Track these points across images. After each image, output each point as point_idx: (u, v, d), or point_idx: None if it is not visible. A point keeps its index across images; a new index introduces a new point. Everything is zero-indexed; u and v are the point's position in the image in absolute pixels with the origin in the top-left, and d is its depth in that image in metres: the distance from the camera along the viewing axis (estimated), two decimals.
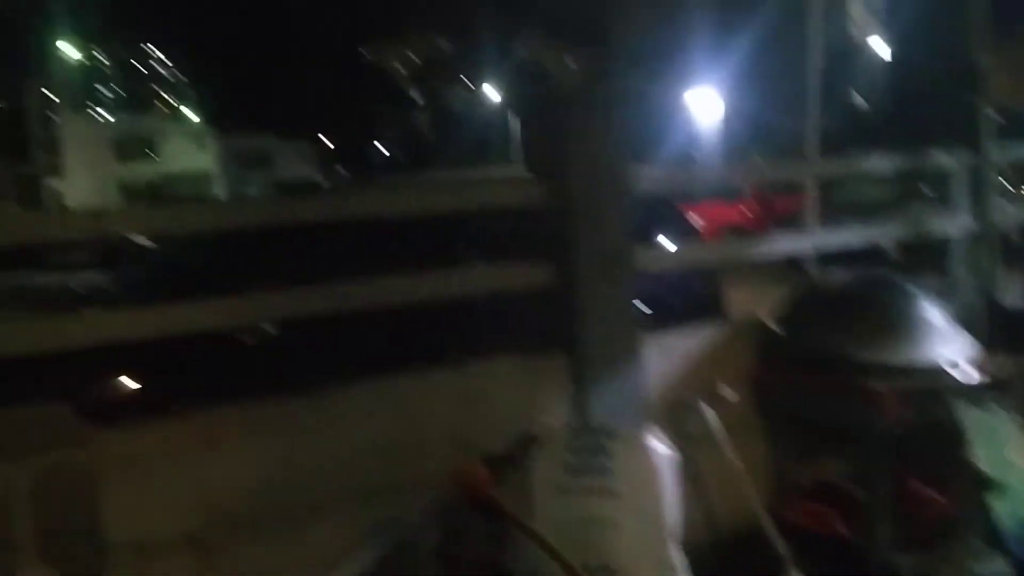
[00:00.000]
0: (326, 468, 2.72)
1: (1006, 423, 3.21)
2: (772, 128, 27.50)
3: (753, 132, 28.00)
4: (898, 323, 3.18)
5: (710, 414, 3.14)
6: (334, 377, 2.83)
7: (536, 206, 3.07)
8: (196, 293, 2.70)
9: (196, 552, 2.56)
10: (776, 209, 15.03)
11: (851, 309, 3.25)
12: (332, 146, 50.84)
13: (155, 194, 41.48)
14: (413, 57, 57.57)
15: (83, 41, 48.98)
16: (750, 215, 17.28)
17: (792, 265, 3.92)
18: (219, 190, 43.68)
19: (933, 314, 3.21)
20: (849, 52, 33.81)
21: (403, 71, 58.13)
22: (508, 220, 3.48)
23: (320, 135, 50.16)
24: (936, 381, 3.08)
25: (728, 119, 29.62)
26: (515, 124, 41.16)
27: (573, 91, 3.00)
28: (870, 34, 32.83)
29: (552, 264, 3.08)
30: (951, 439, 3.10)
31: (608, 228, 3.09)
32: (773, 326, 3.39)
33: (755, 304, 3.51)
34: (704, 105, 29.50)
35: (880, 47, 29.71)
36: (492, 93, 44.64)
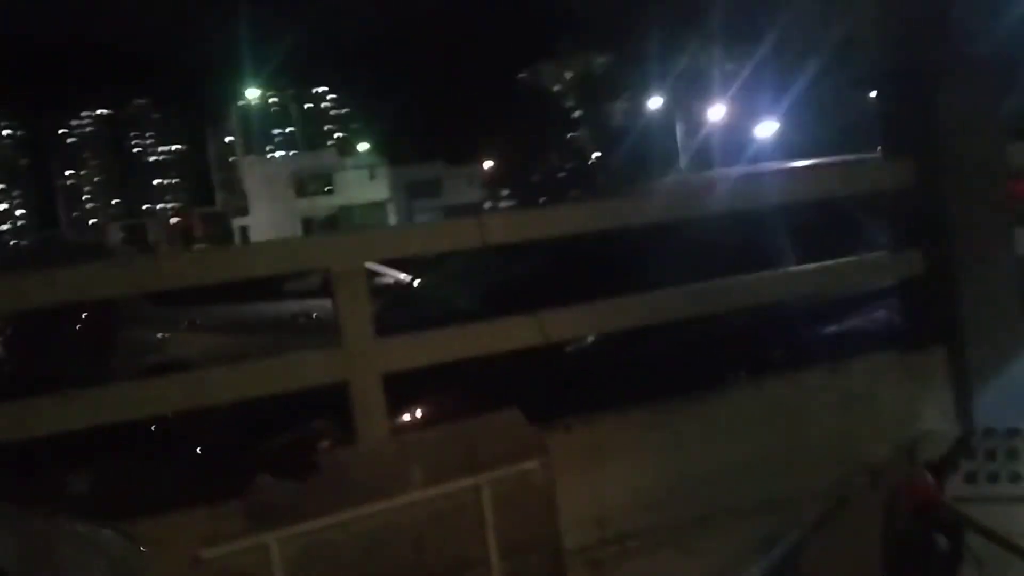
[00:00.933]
0: (711, 479, 2.54)
1: None
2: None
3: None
4: None
5: None
6: (708, 384, 2.67)
7: (904, 187, 2.80)
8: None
9: (590, 568, 2.42)
10: None
11: None
12: (498, 170, 51.58)
13: (333, 224, 43.17)
14: (570, 76, 57.87)
15: (260, 86, 51.75)
16: None
17: None
18: (393, 218, 45.08)
19: None
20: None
21: (562, 90, 58.51)
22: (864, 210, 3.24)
23: (486, 160, 51.00)
24: None
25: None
26: (682, 131, 40.65)
27: (942, 64, 2.72)
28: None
29: (924, 251, 2.80)
30: None
31: (984, 207, 2.79)
32: None
33: None
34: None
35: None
36: (654, 104, 44.27)
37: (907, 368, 2.80)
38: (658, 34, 41.49)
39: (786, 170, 4.05)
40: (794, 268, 2.97)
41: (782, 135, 33.79)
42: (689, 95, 41.91)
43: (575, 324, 2.53)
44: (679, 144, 40.69)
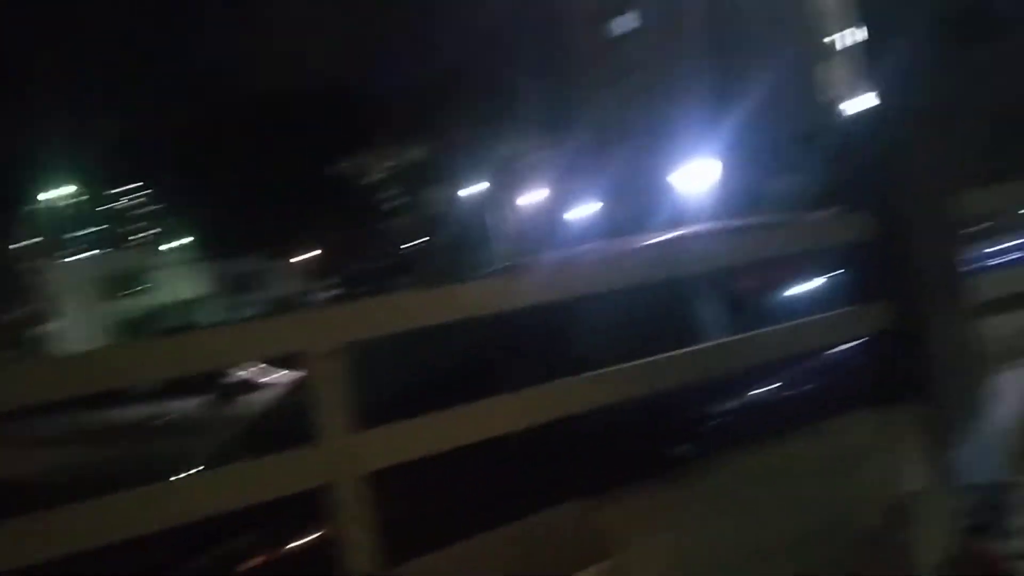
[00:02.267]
0: (718, 560, 2.31)
1: None
2: (761, 190, 27.79)
3: (745, 197, 28.22)
4: None
5: None
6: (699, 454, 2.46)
7: (869, 241, 2.73)
8: None
9: None
10: None
11: None
12: (321, 260, 50.78)
13: (150, 326, 40.93)
14: (390, 165, 58.21)
15: (67, 183, 49.14)
16: None
17: None
18: (213, 315, 43.26)
19: None
20: (828, 113, 34.50)
21: (382, 179, 58.71)
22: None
23: (308, 251, 50.11)
24: None
25: (723, 185, 29.87)
26: (501, 218, 41.39)
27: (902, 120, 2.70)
28: (843, 93, 33.55)
29: (892, 304, 2.73)
30: None
31: (946, 259, 2.76)
32: None
33: None
34: (699, 176, 29.78)
35: (862, 104, 30.25)
36: (478, 190, 44.99)
37: (884, 425, 2.70)
38: (476, 124, 42.38)
39: (751, 229, 3.98)
40: (765, 330, 2.82)
41: (603, 215, 34.90)
42: (511, 181, 42.84)
43: (563, 402, 2.25)
44: (502, 228, 41.34)
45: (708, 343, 2.90)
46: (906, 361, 2.74)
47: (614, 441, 3.07)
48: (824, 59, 35.44)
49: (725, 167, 29.57)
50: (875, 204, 2.72)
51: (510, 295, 2.31)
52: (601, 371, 2.36)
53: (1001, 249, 3.46)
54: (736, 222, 4.93)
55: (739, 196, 27.71)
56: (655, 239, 4.54)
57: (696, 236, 4.48)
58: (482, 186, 44.19)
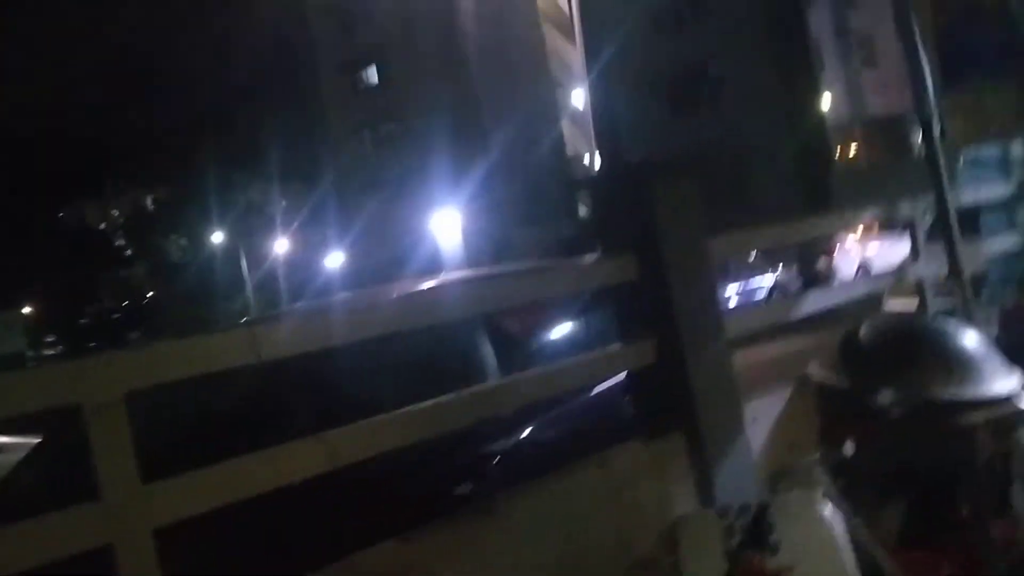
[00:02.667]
0: None
1: None
2: (508, 239, 28.88)
3: (492, 244, 29.14)
4: (962, 357, 3.26)
5: (820, 478, 3.07)
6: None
7: (631, 281, 2.90)
8: None
9: None
10: None
11: (913, 349, 3.31)
12: (41, 314, 46.74)
13: None
14: (118, 213, 54.95)
15: None
16: None
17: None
18: None
19: (986, 345, 3.33)
20: (568, 167, 36.40)
21: (109, 228, 55.28)
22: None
23: (28, 305, 46.00)
24: (1014, 411, 3.18)
25: (468, 235, 30.65)
26: (247, 265, 40.06)
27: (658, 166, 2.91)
28: (583, 149, 35.60)
29: (654, 340, 2.91)
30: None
31: (701, 296, 2.98)
32: (834, 380, 3.38)
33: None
34: (447, 226, 30.39)
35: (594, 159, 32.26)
36: (216, 239, 43.42)
37: (654, 454, 2.86)
38: (215, 171, 40.93)
39: (516, 273, 4.08)
40: (538, 369, 2.92)
41: (356, 263, 34.67)
42: (254, 229, 41.69)
43: (366, 442, 2.21)
44: (244, 277, 40.07)
45: (484, 385, 2.97)
46: (670, 393, 2.92)
47: (401, 483, 3.06)
48: (567, 116, 37.56)
49: (475, 216, 30.46)
50: (637, 247, 2.90)
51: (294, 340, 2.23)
52: (391, 414, 2.34)
53: (745, 288, 3.78)
54: (498, 268, 5.09)
55: (489, 244, 28.62)
56: (416, 286, 4.62)
57: (458, 283, 4.59)
58: (228, 234, 42.73)
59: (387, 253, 29.75)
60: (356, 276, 30.95)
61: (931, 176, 4.08)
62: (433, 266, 27.28)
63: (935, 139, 4.02)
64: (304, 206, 37.84)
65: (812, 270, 14.87)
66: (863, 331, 3.59)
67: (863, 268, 15.44)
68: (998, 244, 4.67)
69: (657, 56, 31.84)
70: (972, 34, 3.82)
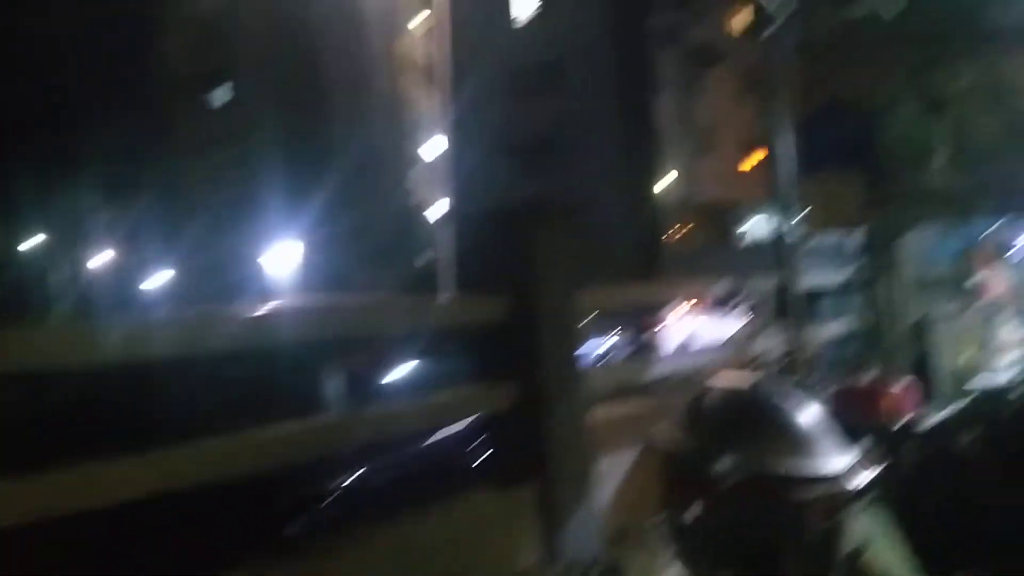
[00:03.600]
0: None
1: (879, 523, 3.51)
2: (346, 278, 28.42)
3: (329, 280, 28.59)
4: (800, 432, 3.35)
5: (661, 541, 3.06)
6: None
7: (499, 322, 2.82)
8: None
9: None
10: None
11: (754, 420, 3.37)
12: None
13: None
14: None
15: None
16: None
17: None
18: None
19: (824, 422, 3.44)
20: (413, 213, 36.36)
21: None
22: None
23: None
24: (844, 487, 3.29)
25: (306, 269, 29.94)
26: (65, 275, 37.65)
27: (534, 207, 2.88)
28: (433, 196, 35.68)
29: (515, 384, 2.83)
30: (853, 544, 3.31)
31: (568, 342, 2.94)
32: (677, 444, 3.40)
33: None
34: (283, 258, 29.56)
35: (441, 206, 32.41)
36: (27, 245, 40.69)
37: (504, 506, 2.76)
38: (32, 175, 38.37)
39: (377, 304, 3.91)
40: (386, 406, 2.79)
41: (178, 284, 33.21)
42: (72, 240, 39.30)
43: (195, 468, 2.00)
44: (58, 288, 37.62)
45: (332, 416, 2.82)
46: (525, 442, 2.84)
47: (225, 518, 2.83)
48: (417, 163, 37.56)
49: (314, 249, 29.75)
50: (510, 289, 2.84)
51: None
52: (227, 438, 2.15)
53: (608, 344, 3.78)
54: (344, 298, 4.92)
55: (326, 279, 27.97)
56: (246, 310, 4.39)
57: (308, 307, 4.40)
58: (45, 242, 40.10)
59: (220, 276, 28.62)
60: (184, 297, 29.59)
61: (780, 259, 4.24)
62: (268, 294, 26.45)
63: (788, 224, 4.20)
64: (133, 220, 36.02)
65: (644, 336, 15.27)
66: (709, 397, 3.65)
67: (690, 340, 15.99)
68: (831, 329, 4.90)
69: (512, 118, 32.47)
70: (830, 127, 4.02)
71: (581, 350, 3.11)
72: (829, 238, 4.94)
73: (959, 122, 3.69)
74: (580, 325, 3.04)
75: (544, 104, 32.84)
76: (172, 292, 33.22)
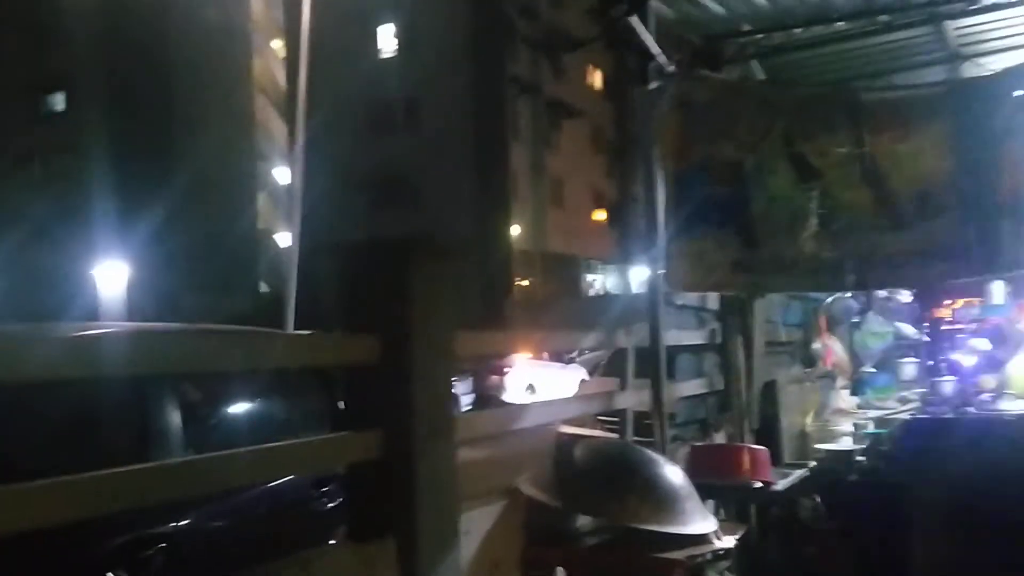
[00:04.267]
0: None
1: None
2: (179, 303, 27.19)
3: (159, 305, 27.28)
4: (669, 493, 3.32)
5: None
6: None
7: (370, 363, 2.63)
8: None
9: None
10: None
11: (625, 478, 3.31)
12: None
13: None
14: None
15: None
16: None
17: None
18: None
19: (689, 484, 3.42)
20: (257, 241, 35.29)
21: None
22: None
23: None
24: (708, 549, 3.26)
25: (132, 291, 28.45)
26: None
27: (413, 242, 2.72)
28: (275, 226, 34.76)
29: (383, 432, 2.64)
30: None
31: (444, 387, 2.79)
32: (543, 499, 3.30)
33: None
34: (111, 277, 27.99)
35: (284, 237, 31.55)
36: None
37: (363, 562, 2.56)
38: None
39: (230, 333, 3.60)
40: (236, 451, 2.52)
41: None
42: None
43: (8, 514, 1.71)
44: None
45: (176, 460, 2.56)
46: (389, 493, 2.66)
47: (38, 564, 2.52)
48: (266, 189, 36.44)
49: (143, 271, 28.27)
50: (382, 328, 2.66)
51: None
52: (44, 482, 1.83)
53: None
54: (179, 325, 4.59)
55: (154, 303, 26.58)
56: (76, 331, 4.02)
57: (149, 332, 4.06)
58: None
59: (38, 295, 26.73)
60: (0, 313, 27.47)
61: (648, 314, 4.23)
62: (90, 316, 24.92)
63: (658, 280, 4.20)
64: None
65: (485, 386, 15.25)
66: (576, 453, 3.57)
67: (530, 389, 16.06)
68: (687, 387, 4.93)
69: (366, 152, 32.17)
70: (706, 186, 4.04)
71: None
72: (689, 296, 4.99)
73: (829, 193, 3.80)
74: (453, 369, 2.89)
75: (401, 141, 32.72)
76: None
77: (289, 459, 2.59)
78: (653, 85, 4.17)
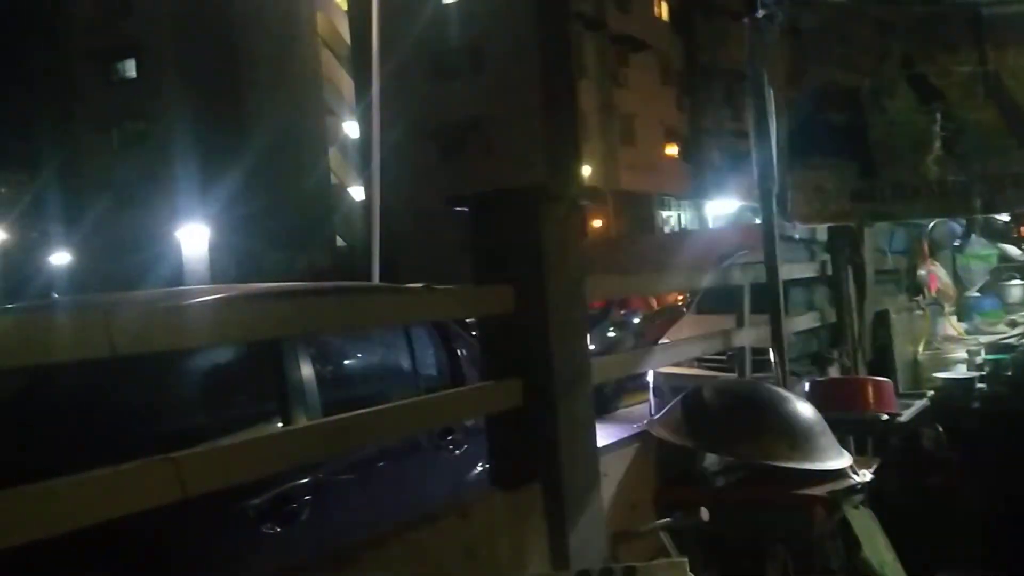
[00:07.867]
0: None
1: (870, 519, 3.46)
2: (261, 262, 27.71)
3: (241, 264, 27.86)
4: (802, 430, 3.27)
5: (667, 541, 2.94)
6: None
7: (508, 314, 2.64)
8: None
9: None
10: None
11: (756, 417, 3.28)
12: None
13: None
14: None
15: None
16: None
17: None
18: None
19: (821, 420, 3.37)
20: (331, 196, 35.65)
21: None
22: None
23: None
24: (845, 484, 3.22)
25: (215, 251, 29.12)
26: None
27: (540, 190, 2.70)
28: (349, 181, 35.04)
29: (524, 380, 2.65)
30: (851, 541, 3.25)
31: (575, 338, 2.77)
32: (676, 440, 3.28)
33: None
34: (193, 239, 28.68)
35: (356, 192, 31.81)
36: None
37: (513, 509, 2.58)
38: None
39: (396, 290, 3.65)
40: (394, 403, 2.56)
41: (79, 267, 31.87)
42: None
43: (221, 470, 1.78)
44: None
45: (321, 420, 2.61)
46: (533, 441, 2.67)
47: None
48: (336, 145, 36.64)
49: (223, 232, 28.90)
50: (517, 279, 2.66)
51: None
52: (249, 439, 1.92)
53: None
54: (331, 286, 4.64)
55: (235, 263, 27.21)
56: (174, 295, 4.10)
57: (293, 292, 4.10)
58: None
59: (124, 260, 27.53)
60: (85, 280, 28.40)
61: (766, 251, 4.15)
62: (175, 278, 25.59)
63: (774, 214, 4.10)
64: (28, 197, 34.36)
65: (616, 326, 15.09)
66: (706, 394, 3.54)
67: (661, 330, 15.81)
68: (800, 322, 4.85)
69: (432, 101, 32.07)
70: (821, 114, 3.92)
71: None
72: (801, 229, 4.87)
73: (952, 114, 3.65)
74: (587, 314, 2.88)
75: (466, 87, 32.53)
76: (74, 274, 31.89)
77: (436, 411, 2.61)
78: (761, 13, 4.04)
